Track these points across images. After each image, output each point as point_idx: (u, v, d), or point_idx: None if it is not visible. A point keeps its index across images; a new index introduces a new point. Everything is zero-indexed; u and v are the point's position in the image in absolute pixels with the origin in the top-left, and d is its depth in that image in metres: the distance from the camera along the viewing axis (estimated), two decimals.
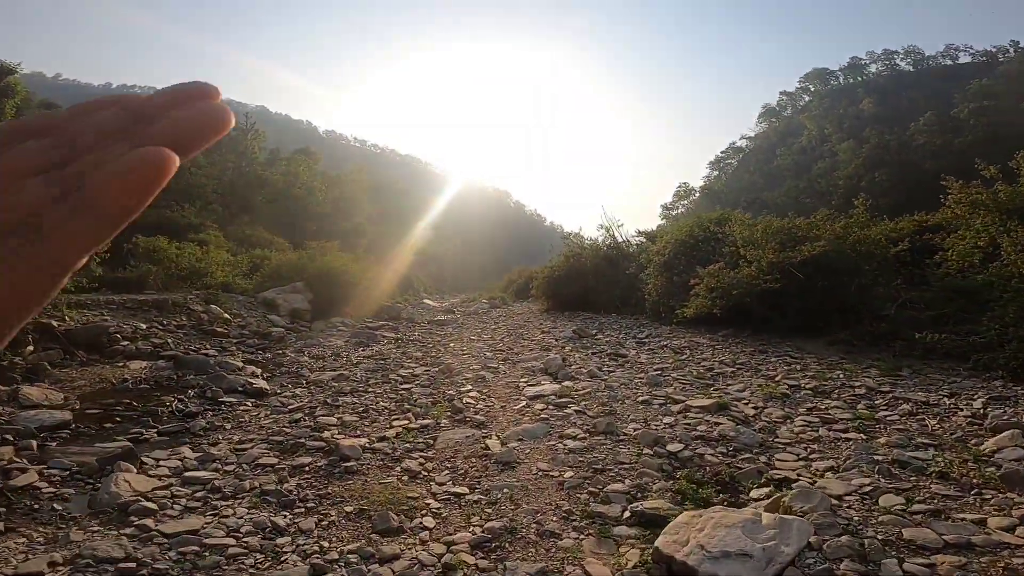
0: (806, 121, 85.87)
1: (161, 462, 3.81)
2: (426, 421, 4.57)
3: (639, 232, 17.14)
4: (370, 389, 5.99)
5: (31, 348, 7.03)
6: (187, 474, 3.56)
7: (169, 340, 8.83)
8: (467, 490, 3.20)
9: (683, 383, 5.72)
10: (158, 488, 3.34)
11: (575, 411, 4.64)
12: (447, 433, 4.26)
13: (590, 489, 3.13)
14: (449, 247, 47.58)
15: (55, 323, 7.62)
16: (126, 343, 8.19)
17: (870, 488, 3.18)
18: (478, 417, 4.59)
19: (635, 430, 4.12)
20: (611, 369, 6.60)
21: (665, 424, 4.28)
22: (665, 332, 10.05)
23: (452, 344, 10.10)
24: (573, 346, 8.94)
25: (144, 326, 9.02)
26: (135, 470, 3.65)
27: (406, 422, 4.58)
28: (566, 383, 5.70)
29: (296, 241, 24.34)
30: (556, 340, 9.80)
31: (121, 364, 7.49)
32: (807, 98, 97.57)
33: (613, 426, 4.11)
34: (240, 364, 7.81)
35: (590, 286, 14.67)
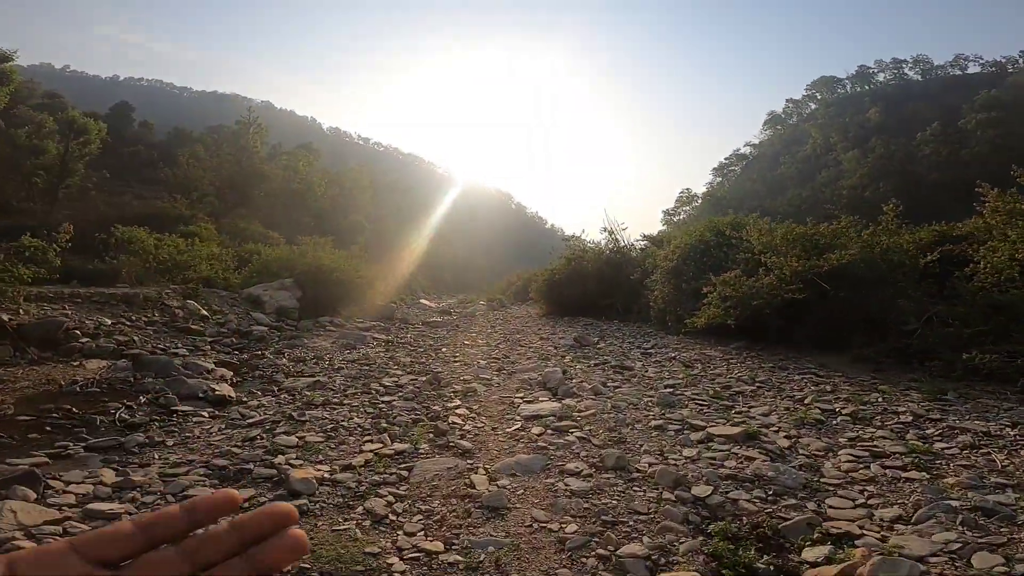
0: (811, 129, 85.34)
1: (71, 486, 3.13)
2: (403, 446, 3.87)
3: (644, 236, 16.49)
4: (346, 401, 5.30)
5: None
6: (92, 506, 2.87)
7: (136, 338, 8.15)
8: (442, 546, 2.50)
9: (699, 404, 5.03)
10: (50, 522, 2.66)
11: (578, 438, 3.94)
12: (426, 463, 3.57)
13: (599, 551, 2.44)
14: (449, 247, 46.99)
15: (6, 317, 6.93)
16: (85, 340, 7.50)
17: (958, 545, 2.50)
18: (464, 443, 3.89)
19: (650, 465, 3.42)
20: (616, 384, 5.91)
21: (686, 458, 3.59)
22: (672, 343, 9.37)
23: (444, 349, 9.42)
24: (574, 356, 8.27)
25: (109, 322, 8.32)
26: (34, 496, 2.97)
27: (379, 446, 3.88)
28: (567, 401, 5.01)
29: (291, 237, 23.74)
30: (555, 348, 9.13)
31: (77, 363, 6.80)
32: (813, 106, 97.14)
33: (624, 460, 3.42)
34: (210, 366, 7.14)
35: (591, 291, 14.03)
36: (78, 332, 7.68)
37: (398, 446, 3.86)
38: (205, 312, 10.16)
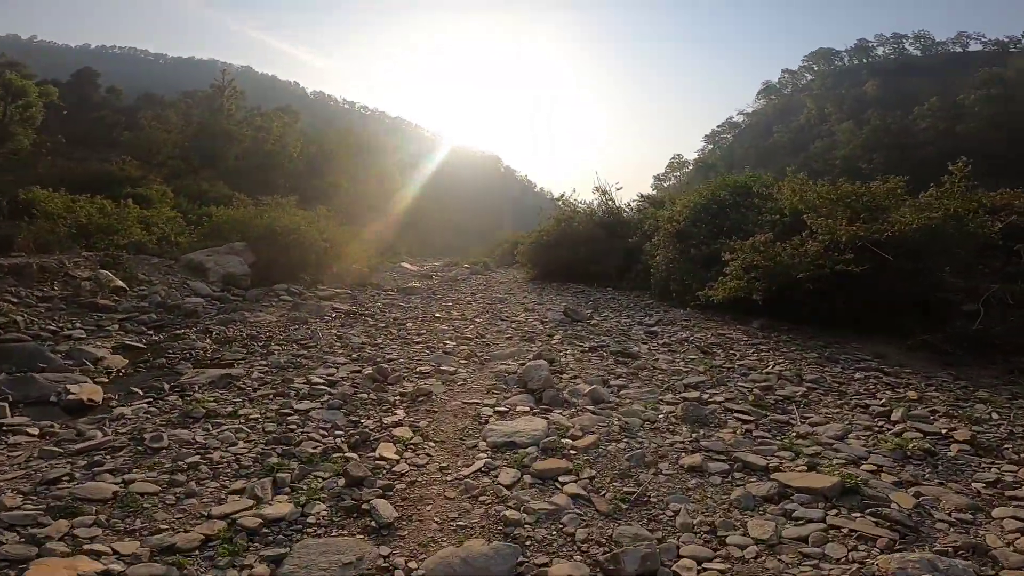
0: (807, 100, 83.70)
1: None
2: (283, 508, 2.35)
3: (641, 196, 14.89)
4: (244, 410, 3.75)
5: None
6: None
7: (19, 318, 6.42)
8: None
9: (740, 418, 3.56)
10: None
11: (573, 496, 2.45)
12: (310, 547, 2.06)
13: None
14: (437, 210, 45.16)
15: None
16: None
17: None
18: (384, 507, 2.36)
19: (701, 568, 1.94)
20: (621, 383, 4.41)
21: (757, 541, 2.10)
22: (679, 318, 7.90)
23: (410, 324, 7.85)
24: (563, 335, 6.76)
25: None
26: None
27: (247, 505, 2.36)
28: (556, 415, 3.50)
29: (261, 198, 21.96)
30: (542, 323, 7.61)
31: None
32: (809, 77, 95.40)
33: (655, 556, 1.93)
34: (102, 354, 5.58)
35: (582, 255, 12.53)
36: None
37: (276, 507, 2.34)
38: (121, 283, 8.45)
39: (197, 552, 2.04)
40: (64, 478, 2.64)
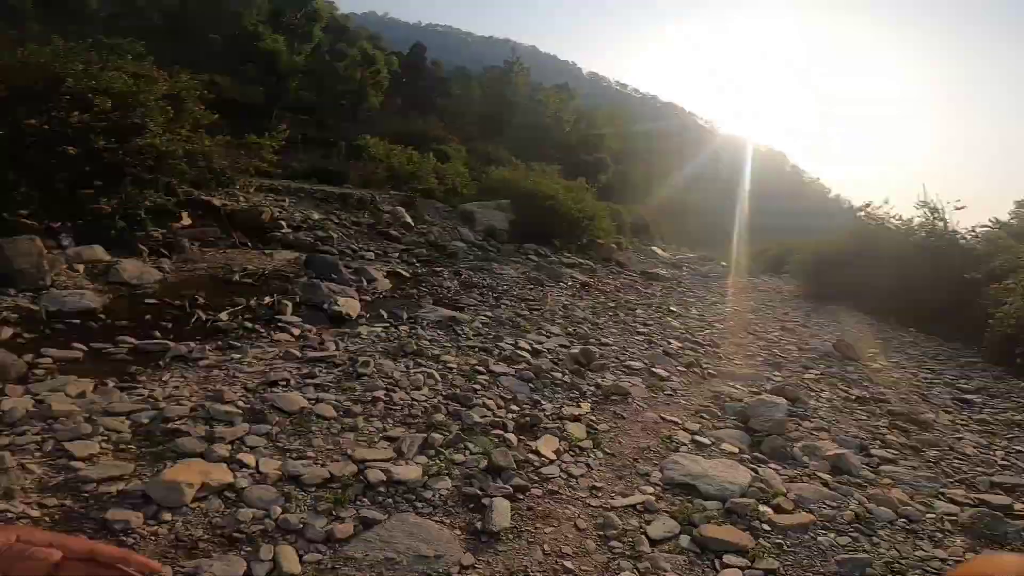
0: None
1: None
2: (410, 474, 2.20)
3: (996, 222, 11.03)
4: (447, 356, 3.87)
5: (188, 222, 6.72)
6: None
7: (335, 235, 8.11)
8: None
9: None
10: None
11: None
12: (403, 524, 1.87)
13: None
14: (702, 201, 42.46)
15: (218, 201, 7.35)
16: (287, 231, 7.66)
17: None
18: (499, 514, 1.97)
19: None
20: (888, 454, 3.16)
21: None
22: (1017, 390, 5.57)
23: (639, 311, 7.36)
24: (824, 371, 5.39)
25: (317, 216, 8.50)
26: None
27: (388, 456, 2.31)
28: (768, 470, 2.61)
29: (529, 164, 23.86)
30: (799, 350, 6.28)
31: (269, 253, 6.87)
32: None
33: None
34: (377, 276, 6.60)
35: (883, 281, 9.96)
36: (283, 223, 7.89)
37: (408, 468, 2.23)
38: (409, 220, 9.95)
39: (313, 490, 2.05)
40: (282, 382, 3.04)
